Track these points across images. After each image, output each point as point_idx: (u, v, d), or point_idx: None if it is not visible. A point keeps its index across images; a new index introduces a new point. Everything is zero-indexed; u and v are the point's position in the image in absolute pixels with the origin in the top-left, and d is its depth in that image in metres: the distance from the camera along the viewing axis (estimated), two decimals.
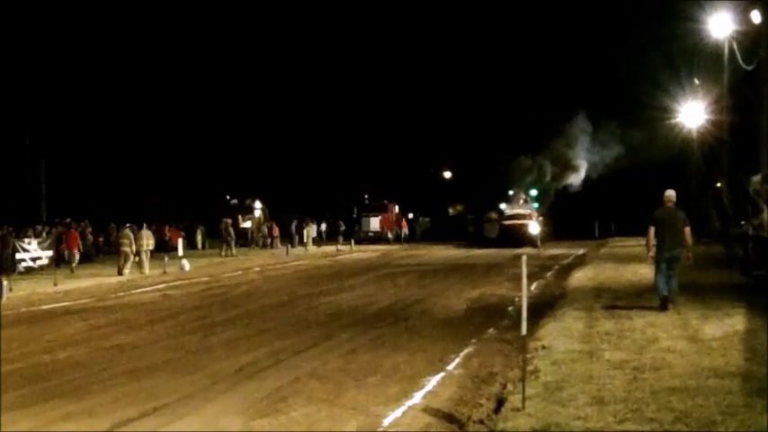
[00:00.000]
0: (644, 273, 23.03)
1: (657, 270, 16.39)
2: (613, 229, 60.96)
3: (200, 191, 64.25)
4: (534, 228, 51.52)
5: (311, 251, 48.66)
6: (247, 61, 70.61)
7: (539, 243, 49.33)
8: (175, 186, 62.95)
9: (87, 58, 58.86)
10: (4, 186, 49.32)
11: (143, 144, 61.12)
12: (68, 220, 39.33)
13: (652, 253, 16.46)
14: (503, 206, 58.56)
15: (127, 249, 31.10)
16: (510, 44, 72.84)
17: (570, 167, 66.81)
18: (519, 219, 52.79)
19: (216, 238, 46.98)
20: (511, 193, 61.61)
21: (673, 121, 47.62)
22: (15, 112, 51.13)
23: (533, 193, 62.61)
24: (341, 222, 57.31)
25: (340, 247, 50.79)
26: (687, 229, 16.39)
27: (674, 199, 16.56)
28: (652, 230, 16.33)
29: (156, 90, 61.98)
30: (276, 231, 53.39)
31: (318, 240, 55.12)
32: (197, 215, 54.25)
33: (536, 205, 59.07)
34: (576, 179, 67.54)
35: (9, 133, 51.16)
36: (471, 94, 73.17)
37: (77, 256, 34.42)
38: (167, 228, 47.04)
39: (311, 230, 53.26)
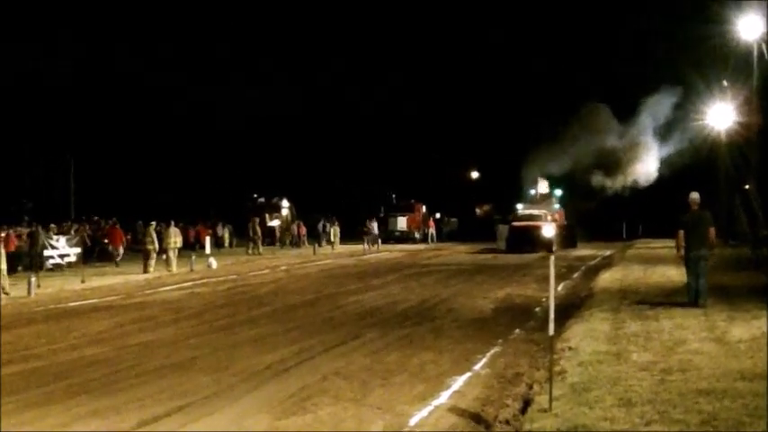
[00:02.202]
0: (671, 275, 22.93)
1: (688, 271, 17.02)
2: (641, 231, 60.25)
3: (227, 190, 64.54)
4: (549, 231, 44.56)
5: (338, 250, 48.67)
6: (276, 62, 71.13)
7: (554, 248, 44.19)
8: (181, 186, 63.44)
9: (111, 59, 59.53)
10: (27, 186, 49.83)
11: (160, 145, 61.53)
12: (96, 218, 39.59)
13: (681, 252, 17.05)
14: (519, 206, 52.71)
15: (149, 247, 31.32)
16: (538, 40, 73.00)
17: (639, 162, 59.63)
18: (532, 220, 45.62)
19: (243, 237, 47.16)
20: (532, 192, 55.73)
21: (701, 123, 47.14)
22: (18, 113, 51.60)
23: (558, 192, 56.59)
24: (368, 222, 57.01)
25: (368, 246, 50.71)
26: (712, 230, 16.96)
27: (699, 201, 17.11)
28: (681, 232, 16.92)
29: (179, 91, 62.39)
30: (303, 230, 53.48)
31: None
32: (224, 214, 54.42)
33: (557, 206, 53.46)
34: (641, 176, 60.53)
35: (25, 135, 51.64)
36: (499, 93, 72.96)
37: (121, 252, 35.35)
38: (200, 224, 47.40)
39: (337, 230, 53.13)
